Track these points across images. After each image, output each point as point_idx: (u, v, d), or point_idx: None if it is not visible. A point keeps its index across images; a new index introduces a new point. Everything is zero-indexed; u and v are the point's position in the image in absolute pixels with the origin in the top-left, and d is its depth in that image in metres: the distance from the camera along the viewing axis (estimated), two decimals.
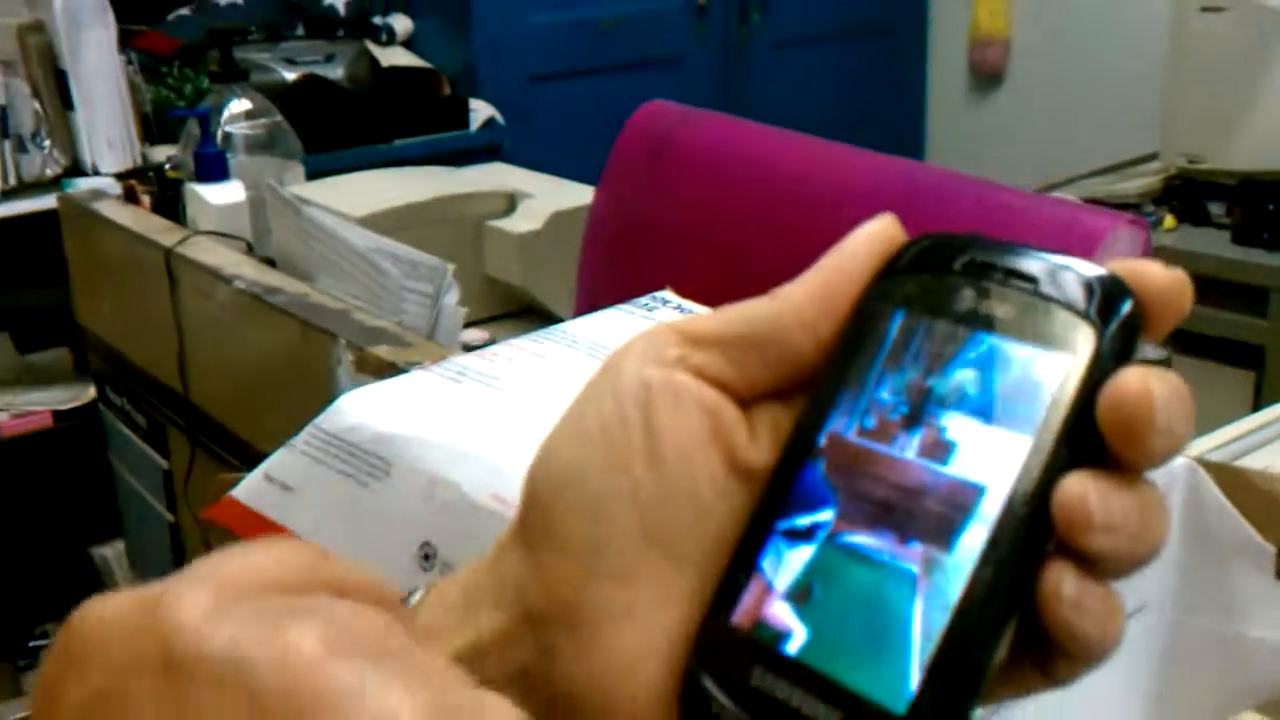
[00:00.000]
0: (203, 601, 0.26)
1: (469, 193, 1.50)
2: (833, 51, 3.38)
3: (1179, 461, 0.44)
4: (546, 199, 1.46)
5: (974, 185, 0.76)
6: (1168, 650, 0.46)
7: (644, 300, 0.61)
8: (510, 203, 1.49)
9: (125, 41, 2.41)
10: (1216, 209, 2.33)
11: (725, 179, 0.99)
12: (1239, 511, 0.45)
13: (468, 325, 1.21)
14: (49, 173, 2.29)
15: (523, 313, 1.47)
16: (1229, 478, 0.46)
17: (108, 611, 0.27)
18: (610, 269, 1.12)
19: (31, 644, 2.43)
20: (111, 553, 2.26)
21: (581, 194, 1.41)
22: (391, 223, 1.37)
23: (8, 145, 2.25)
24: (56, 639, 0.27)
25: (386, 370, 0.94)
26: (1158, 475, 0.43)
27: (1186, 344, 2.11)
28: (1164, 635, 0.46)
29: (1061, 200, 0.85)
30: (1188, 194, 2.37)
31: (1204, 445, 0.73)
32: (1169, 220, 2.35)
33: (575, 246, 1.23)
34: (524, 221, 1.45)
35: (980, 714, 0.29)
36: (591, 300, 1.16)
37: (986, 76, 3.51)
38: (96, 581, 2.30)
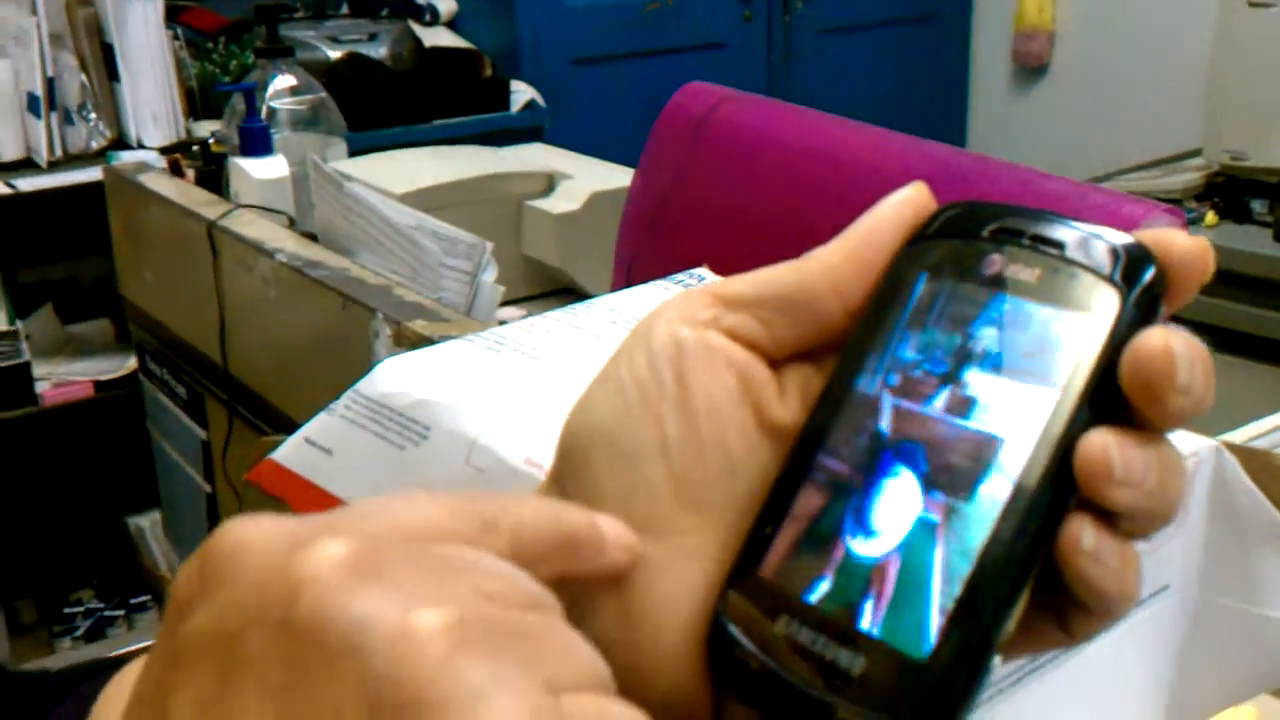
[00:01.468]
0: (345, 559, 0.25)
1: (509, 172, 1.51)
2: (876, 40, 3.37)
3: (1205, 443, 0.45)
4: (586, 180, 1.47)
5: (1011, 170, 0.76)
6: (1189, 631, 0.47)
7: (680, 277, 0.62)
8: (549, 183, 1.50)
9: (172, 17, 2.43)
10: (1259, 207, 2.32)
11: (765, 161, 0.99)
12: (1264, 495, 0.46)
13: (504, 304, 1.22)
14: (94, 145, 2.31)
15: (560, 293, 1.48)
16: (1255, 461, 0.46)
17: (249, 538, 0.26)
18: (648, 250, 1.13)
19: (66, 610, 2.47)
20: (147, 523, 2.29)
21: (621, 175, 1.41)
22: (432, 200, 1.39)
23: (54, 117, 2.27)
24: (197, 551, 0.27)
25: (423, 345, 0.96)
26: (1185, 457, 0.44)
27: (1225, 341, 2.10)
28: (1186, 616, 0.47)
29: (1098, 189, 0.86)
30: (1230, 191, 2.36)
31: (1235, 438, 0.73)
32: (1210, 217, 2.33)
33: (613, 227, 1.24)
34: (563, 202, 1.46)
35: (998, 663, 0.30)
36: (628, 281, 1.17)
37: (1030, 69, 3.49)
38: (131, 551, 2.33)
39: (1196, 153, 2.49)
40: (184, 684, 0.25)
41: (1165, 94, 3.07)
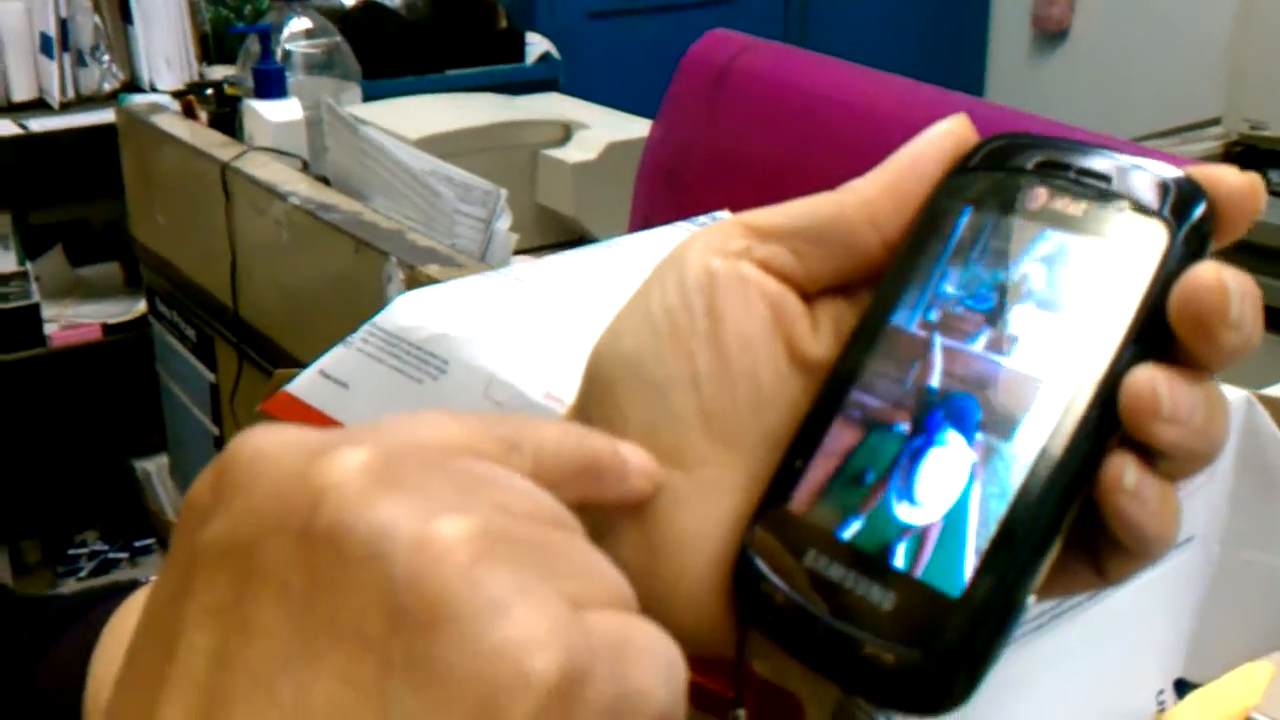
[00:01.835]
0: (366, 466, 0.24)
1: (525, 120, 1.50)
2: (894, 3, 3.34)
3: (1236, 394, 0.44)
4: (602, 130, 1.46)
5: (1039, 123, 0.75)
6: (1212, 583, 0.46)
7: (702, 219, 0.61)
8: (566, 132, 1.49)
9: None
10: (1277, 177, 2.30)
11: (787, 110, 0.98)
12: None
13: (518, 253, 1.22)
14: (106, 87, 2.30)
15: (574, 243, 1.47)
16: None
17: (268, 446, 0.26)
18: (665, 200, 1.12)
19: (70, 551, 2.48)
20: (153, 467, 2.29)
21: (638, 126, 1.40)
22: (447, 146, 1.38)
23: (67, 58, 2.26)
24: (215, 460, 0.26)
25: None
26: None
27: None
28: (1209, 568, 0.46)
29: (1125, 143, 0.85)
30: (1249, 161, 2.34)
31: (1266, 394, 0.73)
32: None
33: (629, 179, 1.23)
34: (579, 151, 1.45)
35: (1031, 601, 0.29)
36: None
37: (1050, 33, 3.46)
38: (137, 494, 2.33)
39: (1216, 121, 2.46)
40: (199, 592, 0.25)
41: (1185, 61, 3.04)
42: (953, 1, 3.49)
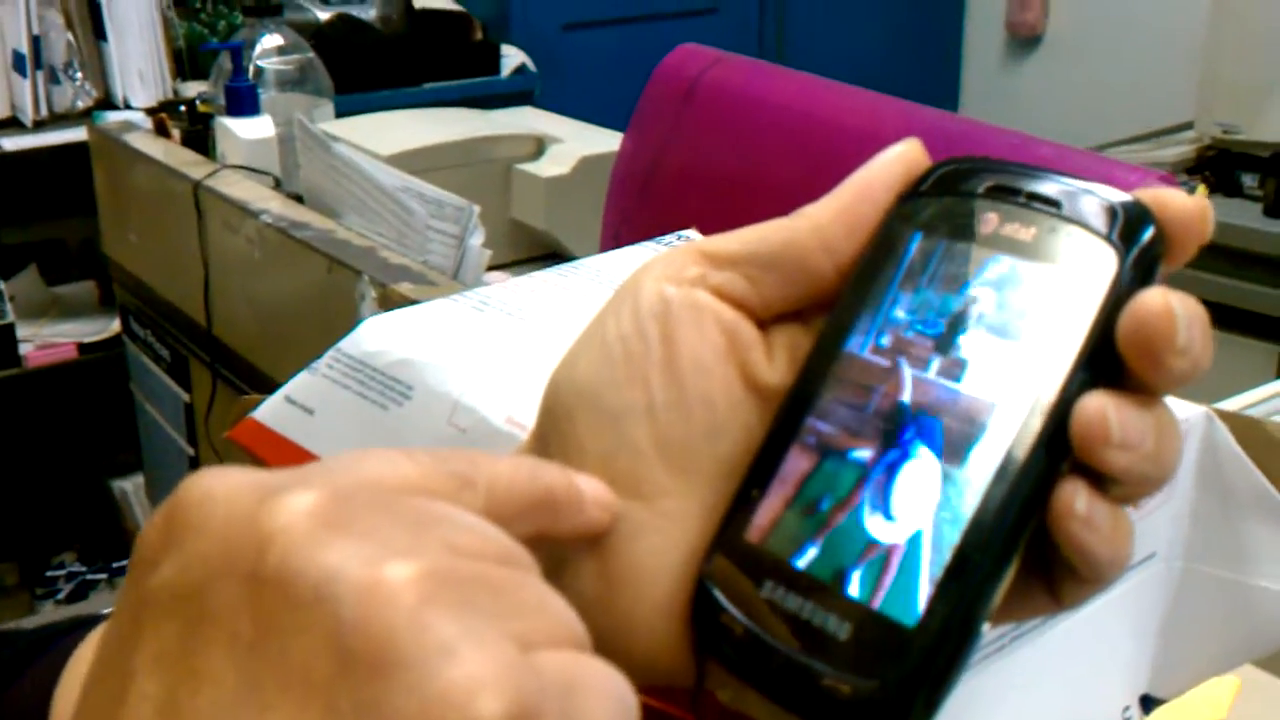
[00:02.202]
0: (314, 510, 0.24)
1: (498, 135, 1.50)
2: (869, 8, 3.35)
3: (1195, 410, 0.44)
4: (575, 144, 1.46)
5: (1005, 135, 0.76)
6: (1175, 599, 0.47)
7: (668, 239, 0.61)
8: (539, 147, 1.49)
9: None
10: (1250, 181, 2.31)
11: (756, 123, 0.98)
12: (1254, 463, 0.45)
13: (492, 268, 1.21)
14: (80, 105, 2.29)
15: (547, 257, 1.47)
16: (1245, 429, 0.46)
17: (217, 489, 0.25)
18: (637, 213, 1.12)
19: (48, 573, 2.46)
20: (130, 486, 2.28)
21: (611, 140, 1.40)
22: (419, 162, 1.37)
23: (40, 76, 2.25)
24: (164, 504, 0.26)
25: None
26: None
27: (1214, 315, 2.08)
28: (1172, 584, 0.46)
29: (1092, 154, 0.85)
30: (1221, 165, 2.35)
31: (1226, 408, 0.73)
32: (1201, 190, 2.32)
33: (603, 192, 1.23)
34: (552, 166, 1.45)
35: (986, 628, 0.29)
36: (616, 245, 1.16)
37: (1024, 38, 3.48)
38: (114, 514, 2.32)
39: (1189, 125, 2.48)
40: (148, 639, 0.24)
41: (1159, 66, 3.06)
42: (927, 7, 3.50)
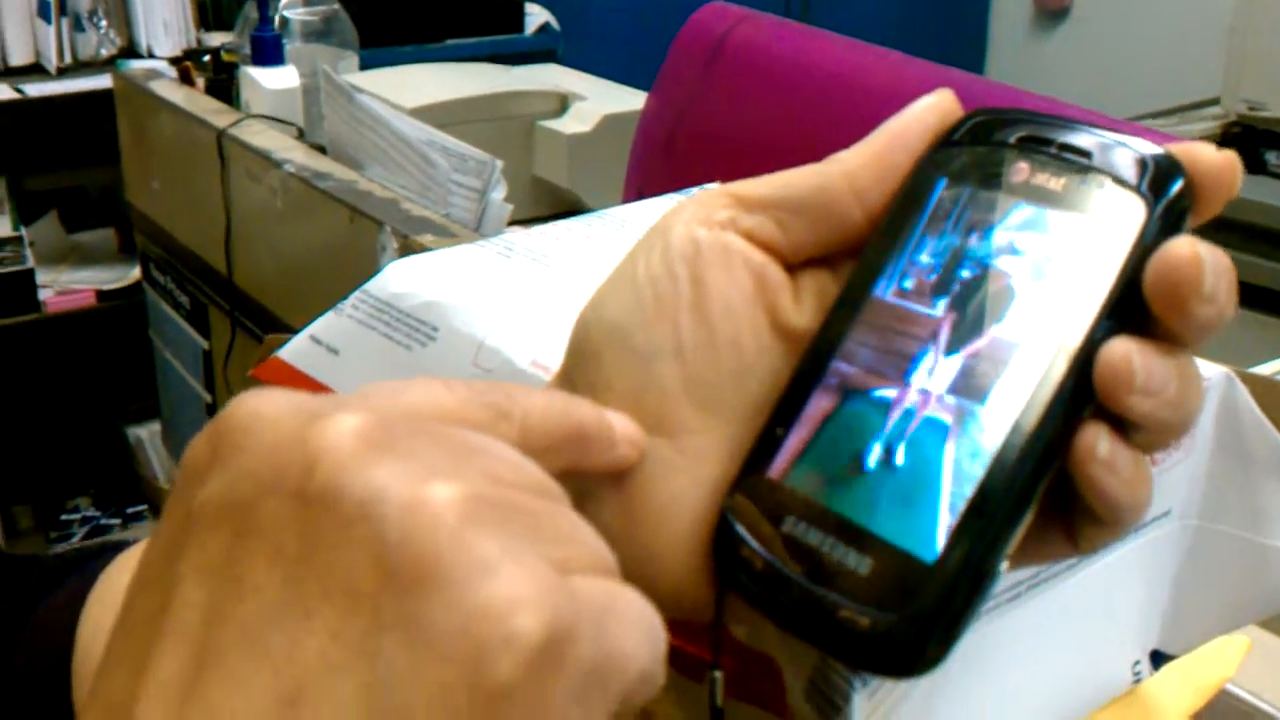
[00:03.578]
0: (360, 431, 0.25)
1: (522, 91, 1.49)
2: None
3: (1215, 370, 0.44)
4: (599, 101, 1.46)
5: (1032, 99, 0.75)
6: (1187, 557, 0.47)
7: (693, 190, 0.61)
8: (562, 104, 1.49)
9: None
10: (1274, 158, 2.30)
11: (782, 82, 0.98)
12: (1273, 425, 0.45)
13: (512, 224, 1.22)
14: (104, 53, 2.29)
15: (569, 215, 1.47)
16: (1266, 390, 0.46)
17: (264, 409, 0.26)
18: (660, 172, 1.12)
19: (63, 517, 2.48)
20: (145, 433, 2.30)
21: (635, 99, 1.40)
22: (443, 116, 1.37)
23: (65, 23, 2.25)
24: (210, 423, 0.27)
25: None
26: None
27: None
28: (1185, 542, 0.47)
29: (1121, 122, 0.85)
30: (1246, 142, 2.34)
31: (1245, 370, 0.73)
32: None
33: (625, 150, 1.23)
34: (575, 123, 1.44)
35: (1005, 568, 0.30)
36: None
37: (1051, 12, 3.45)
38: (129, 461, 2.34)
39: (1214, 101, 2.46)
40: (194, 550, 0.25)
41: (1185, 41, 3.04)
42: None
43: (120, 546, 0.46)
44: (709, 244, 0.34)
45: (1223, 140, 2.37)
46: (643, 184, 1.14)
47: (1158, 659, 0.47)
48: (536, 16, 2.65)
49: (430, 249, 1.04)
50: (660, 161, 1.12)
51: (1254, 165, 2.31)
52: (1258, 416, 0.45)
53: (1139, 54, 3.21)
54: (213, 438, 0.26)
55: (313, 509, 0.24)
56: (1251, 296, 2.14)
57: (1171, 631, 0.47)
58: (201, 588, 0.25)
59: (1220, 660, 0.50)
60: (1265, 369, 0.84)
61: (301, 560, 0.24)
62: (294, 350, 0.57)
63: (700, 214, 0.34)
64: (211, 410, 1.54)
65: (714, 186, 0.57)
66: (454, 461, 0.26)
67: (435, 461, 0.25)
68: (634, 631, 0.26)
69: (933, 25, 3.43)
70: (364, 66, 1.65)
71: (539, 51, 2.49)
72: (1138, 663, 0.46)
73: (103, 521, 2.48)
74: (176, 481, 0.27)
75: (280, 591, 0.24)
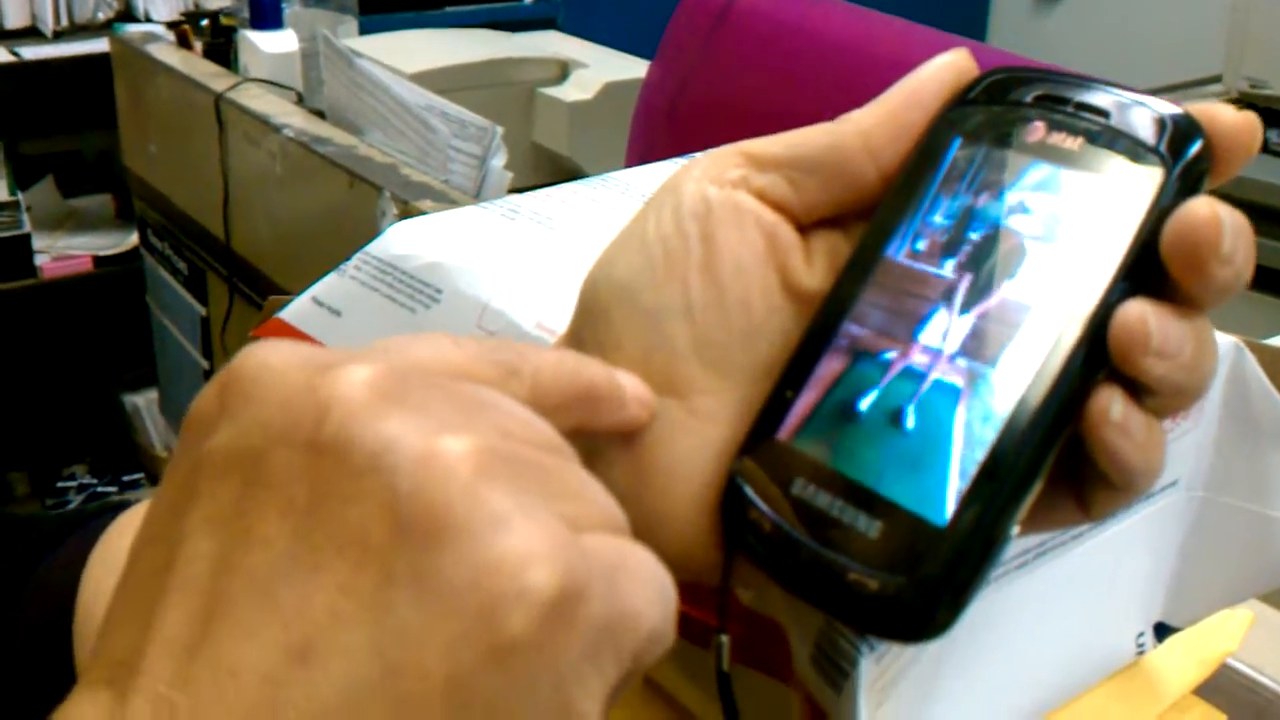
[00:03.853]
0: (372, 382, 0.25)
1: (522, 58, 1.49)
2: None
3: (1225, 340, 0.44)
4: (600, 69, 1.45)
5: (1040, 66, 0.75)
6: (1193, 528, 0.47)
7: (699, 155, 0.61)
8: (563, 71, 1.48)
9: None
10: (1276, 137, 2.29)
11: (786, 50, 0.98)
12: None
13: (512, 191, 1.21)
14: (100, 16, 2.28)
15: (569, 183, 1.47)
16: (1275, 361, 0.46)
17: (273, 359, 0.26)
18: (661, 141, 1.12)
19: (59, 484, 2.48)
20: (142, 401, 2.29)
21: (636, 67, 1.40)
22: (443, 82, 1.37)
23: None
24: (219, 373, 0.26)
25: None
26: None
27: None
28: (1191, 513, 0.47)
29: (1126, 88, 0.84)
30: None
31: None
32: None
33: (626, 119, 1.22)
34: (576, 90, 1.44)
35: (1015, 533, 0.29)
36: None
37: None
38: (126, 429, 2.34)
39: (1216, 79, 2.45)
40: (203, 501, 0.25)
41: (1187, 19, 3.03)
42: None
43: (122, 506, 0.46)
44: (720, 202, 0.33)
45: None
46: (644, 152, 1.14)
47: (1161, 631, 0.47)
48: None
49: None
50: (662, 130, 1.12)
51: None
52: (1266, 387, 0.45)
53: (1140, 31, 3.20)
54: (221, 388, 0.26)
55: (324, 459, 0.24)
56: (1256, 276, 2.14)
57: (1175, 604, 0.47)
58: (210, 539, 0.24)
59: (1223, 634, 0.50)
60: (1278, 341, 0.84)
61: (311, 512, 0.24)
62: (296, 311, 0.57)
63: (712, 172, 0.34)
64: (209, 377, 1.53)
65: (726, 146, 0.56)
66: (465, 415, 0.25)
67: (447, 415, 0.25)
68: (645, 590, 0.25)
69: (933, 6, 3.41)
70: (363, 31, 1.64)
71: (539, 19, 2.47)
72: (1141, 634, 0.46)
73: (99, 489, 2.48)
74: (182, 434, 0.26)
75: (290, 543, 0.24)
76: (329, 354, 0.26)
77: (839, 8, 1.00)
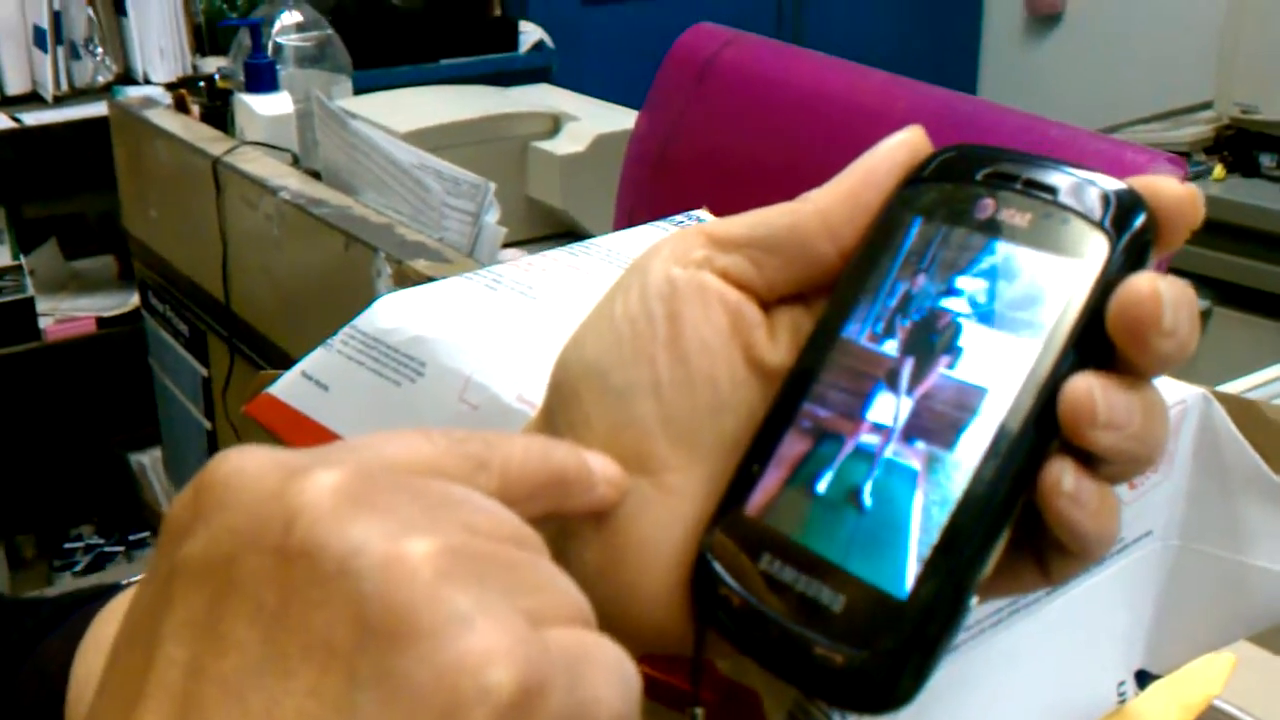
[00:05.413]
0: (339, 487, 0.26)
1: (514, 113, 1.50)
2: None
3: (1193, 391, 0.45)
4: (591, 122, 1.47)
5: (1016, 117, 0.76)
6: (1170, 577, 0.47)
7: (679, 218, 0.62)
8: (555, 124, 1.50)
9: None
10: (1268, 161, 2.30)
11: (769, 103, 0.99)
12: (1250, 444, 0.46)
13: (507, 245, 1.22)
14: (100, 80, 2.30)
15: (563, 235, 1.48)
16: (1242, 410, 0.46)
17: (246, 465, 0.26)
18: (649, 192, 1.13)
19: (66, 545, 2.49)
20: (148, 459, 2.30)
21: (627, 118, 1.41)
22: (436, 140, 1.38)
23: (60, 51, 2.26)
24: (193, 479, 0.27)
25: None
26: (1173, 405, 0.44)
27: (1230, 295, 2.10)
28: (1168, 562, 0.47)
29: (1102, 136, 0.85)
30: (1240, 145, 2.34)
31: (1233, 390, 0.73)
32: (1218, 170, 2.32)
33: (618, 170, 1.24)
34: (568, 143, 1.45)
35: (975, 603, 0.30)
36: (630, 223, 1.17)
37: (1043, 16, 3.46)
38: (132, 487, 2.34)
39: (1208, 105, 2.47)
40: (177, 607, 0.26)
41: (1178, 45, 3.04)
42: None
43: (111, 591, 0.47)
44: (685, 283, 0.34)
45: (1216, 144, 2.38)
46: (634, 203, 1.15)
47: (1143, 678, 0.47)
48: (531, 34, 2.67)
49: (424, 274, 1.04)
50: (651, 181, 1.13)
51: (1248, 168, 2.32)
52: (1235, 436, 0.46)
53: (1132, 58, 3.22)
54: (195, 494, 0.27)
55: (293, 565, 0.25)
56: (1247, 299, 2.15)
57: (1156, 651, 0.47)
58: (184, 646, 0.25)
59: (1206, 678, 0.50)
60: (1260, 375, 0.85)
61: (280, 616, 0.25)
62: (285, 387, 0.58)
63: (677, 253, 0.35)
64: (212, 438, 1.55)
65: (696, 219, 0.57)
66: (431, 515, 0.26)
67: (413, 516, 0.26)
68: (607, 679, 0.26)
69: (925, 31, 3.44)
70: (358, 87, 1.65)
71: (533, 70, 2.50)
72: (1122, 683, 0.47)
73: (106, 549, 2.48)
74: (160, 538, 0.27)
75: (260, 649, 0.24)
76: (301, 458, 0.27)
77: (820, 60, 1.01)
